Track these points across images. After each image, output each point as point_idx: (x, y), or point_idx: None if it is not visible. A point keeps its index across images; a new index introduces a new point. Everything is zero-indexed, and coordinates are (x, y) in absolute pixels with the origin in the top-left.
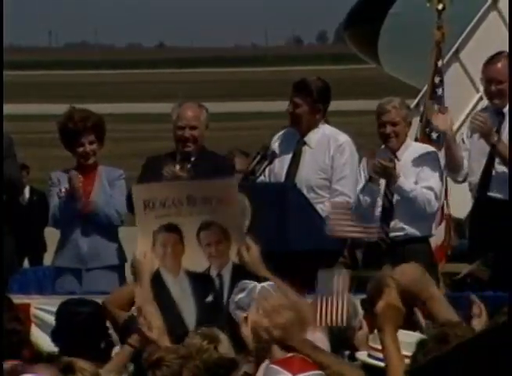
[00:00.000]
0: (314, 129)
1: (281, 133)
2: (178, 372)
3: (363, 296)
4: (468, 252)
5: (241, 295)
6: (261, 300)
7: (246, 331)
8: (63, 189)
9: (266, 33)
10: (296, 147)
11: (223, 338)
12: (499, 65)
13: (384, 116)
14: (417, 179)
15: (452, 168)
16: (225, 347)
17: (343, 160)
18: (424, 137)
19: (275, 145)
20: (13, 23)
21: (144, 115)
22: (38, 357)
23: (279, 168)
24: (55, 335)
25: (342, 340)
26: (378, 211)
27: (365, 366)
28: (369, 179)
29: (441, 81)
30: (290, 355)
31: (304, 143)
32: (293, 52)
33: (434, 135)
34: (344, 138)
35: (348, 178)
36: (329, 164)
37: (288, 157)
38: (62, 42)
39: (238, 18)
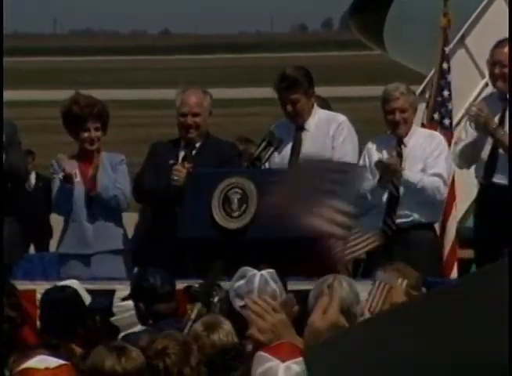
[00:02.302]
0: (309, 115)
1: (277, 123)
2: (186, 359)
3: (369, 283)
4: (474, 238)
5: (240, 282)
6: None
7: (255, 332)
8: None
9: (272, 19)
10: (295, 134)
11: (226, 325)
12: (506, 49)
13: (393, 103)
14: (425, 166)
15: (469, 160)
16: (225, 334)
17: (341, 138)
18: (432, 123)
19: None
20: (17, 10)
21: (149, 101)
22: (48, 343)
23: (279, 157)
24: (42, 325)
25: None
26: (384, 197)
27: None
28: (380, 181)
29: (449, 68)
30: (279, 341)
31: (303, 129)
32: (298, 39)
33: (447, 122)
34: (342, 118)
35: (349, 155)
36: (329, 144)
37: (288, 145)
38: (66, 29)
39: (243, 5)
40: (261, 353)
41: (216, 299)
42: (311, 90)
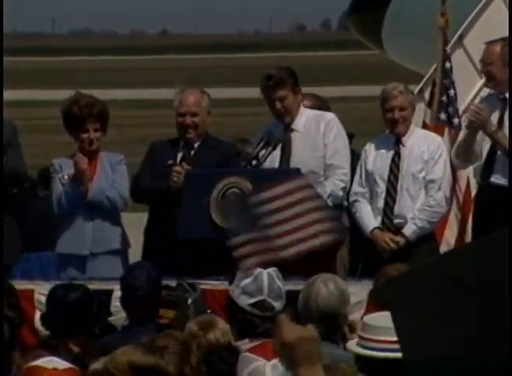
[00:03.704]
0: (297, 114)
1: (265, 126)
2: (186, 358)
3: (368, 282)
4: (472, 237)
5: (247, 280)
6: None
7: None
8: (66, 176)
9: (271, 20)
10: (284, 135)
11: (221, 324)
12: (492, 47)
13: (392, 101)
14: (424, 169)
15: (463, 159)
16: (221, 334)
17: (332, 135)
18: (438, 123)
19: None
20: (16, 10)
21: (148, 101)
22: (47, 344)
23: (270, 158)
24: (45, 320)
25: (333, 327)
26: (382, 197)
27: (357, 357)
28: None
29: (451, 67)
30: (262, 341)
31: (292, 130)
32: (297, 39)
33: (456, 121)
34: (330, 115)
35: (341, 151)
36: (321, 142)
37: (278, 146)
38: (65, 29)
39: (241, 5)
40: (246, 354)
41: (190, 301)
42: (297, 88)
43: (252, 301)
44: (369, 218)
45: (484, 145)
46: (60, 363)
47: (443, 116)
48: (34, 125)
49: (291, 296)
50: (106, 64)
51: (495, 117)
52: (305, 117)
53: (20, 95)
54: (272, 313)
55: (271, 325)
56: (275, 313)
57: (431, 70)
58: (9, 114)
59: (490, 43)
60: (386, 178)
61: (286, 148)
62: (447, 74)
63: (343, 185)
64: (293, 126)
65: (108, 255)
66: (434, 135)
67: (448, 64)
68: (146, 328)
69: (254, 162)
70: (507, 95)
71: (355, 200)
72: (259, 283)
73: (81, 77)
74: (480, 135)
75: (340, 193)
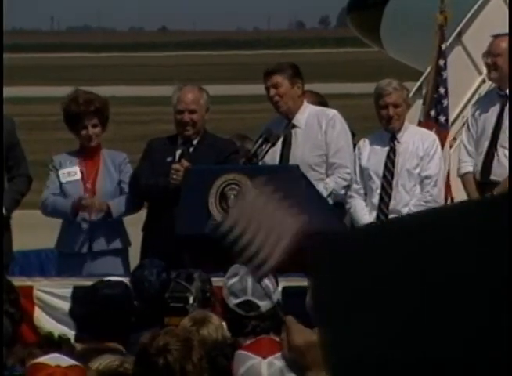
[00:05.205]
0: (299, 110)
1: (268, 123)
2: (188, 355)
3: None
4: None
5: (233, 280)
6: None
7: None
8: (67, 173)
9: (269, 17)
10: (285, 131)
11: (214, 320)
12: (499, 40)
13: (387, 98)
14: (419, 165)
15: None
16: (215, 329)
17: (335, 133)
18: (428, 121)
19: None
20: (15, 7)
21: (146, 98)
22: (49, 341)
23: (271, 155)
24: (83, 322)
25: None
26: (377, 192)
27: None
28: None
29: (445, 64)
30: (257, 338)
31: (294, 126)
32: (296, 36)
33: (442, 119)
34: (332, 112)
35: (344, 150)
36: (323, 139)
37: (278, 142)
38: (64, 26)
39: (240, 2)
40: (240, 352)
41: (191, 300)
42: (296, 79)
43: (237, 301)
44: (364, 214)
45: (482, 142)
46: (64, 360)
47: (433, 113)
48: (33, 122)
49: (290, 293)
50: (105, 61)
51: (494, 115)
52: (308, 114)
53: (19, 91)
54: (257, 313)
55: (257, 323)
56: (260, 312)
57: (429, 68)
58: (8, 111)
59: (497, 36)
60: (381, 175)
61: (287, 144)
62: (440, 71)
63: (345, 183)
64: (295, 122)
65: (108, 254)
66: (428, 131)
67: (441, 62)
68: (152, 327)
69: (254, 159)
70: (507, 91)
71: (350, 196)
72: (243, 283)
73: (80, 73)
74: (479, 133)
75: (342, 192)
